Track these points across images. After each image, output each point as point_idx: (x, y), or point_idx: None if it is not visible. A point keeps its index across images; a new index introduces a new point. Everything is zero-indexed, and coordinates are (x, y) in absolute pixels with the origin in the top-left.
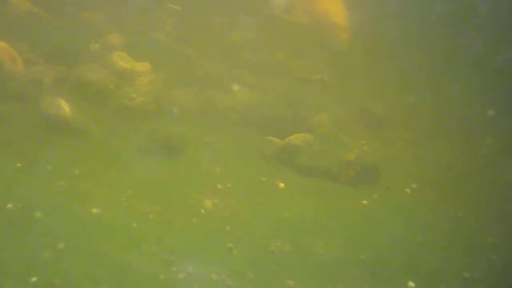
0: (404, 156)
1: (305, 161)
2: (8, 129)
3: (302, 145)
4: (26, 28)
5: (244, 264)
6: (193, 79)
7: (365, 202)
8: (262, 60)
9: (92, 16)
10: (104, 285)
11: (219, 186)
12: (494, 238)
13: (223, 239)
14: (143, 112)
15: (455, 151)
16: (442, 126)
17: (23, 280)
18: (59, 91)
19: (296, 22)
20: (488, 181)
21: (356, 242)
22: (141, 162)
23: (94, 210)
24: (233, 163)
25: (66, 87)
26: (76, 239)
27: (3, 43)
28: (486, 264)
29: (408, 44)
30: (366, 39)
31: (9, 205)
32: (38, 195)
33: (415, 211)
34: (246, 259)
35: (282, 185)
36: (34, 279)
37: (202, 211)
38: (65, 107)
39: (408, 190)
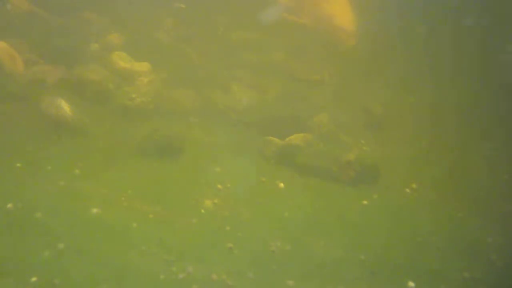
0: (404, 156)
1: (305, 161)
2: (8, 129)
3: (302, 145)
4: (26, 28)
5: (244, 264)
6: (193, 79)
7: (365, 202)
8: (262, 60)
9: (92, 16)
10: (104, 285)
11: (219, 186)
12: (494, 238)
13: (223, 239)
14: (143, 112)
15: (455, 151)
16: (442, 126)
17: (23, 280)
18: (59, 91)
19: (302, 24)
20: (488, 181)
21: (356, 242)
22: (141, 162)
23: (94, 210)
24: (233, 163)
25: (66, 87)
26: (76, 239)
27: (3, 43)
28: (486, 264)
29: (410, 45)
30: (368, 40)
31: (9, 205)
32: (38, 195)
33: (415, 211)
34: (246, 259)
35: (282, 185)
36: (34, 279)
37: (202, 211)
38: (65, 107)
39: (408, 190)
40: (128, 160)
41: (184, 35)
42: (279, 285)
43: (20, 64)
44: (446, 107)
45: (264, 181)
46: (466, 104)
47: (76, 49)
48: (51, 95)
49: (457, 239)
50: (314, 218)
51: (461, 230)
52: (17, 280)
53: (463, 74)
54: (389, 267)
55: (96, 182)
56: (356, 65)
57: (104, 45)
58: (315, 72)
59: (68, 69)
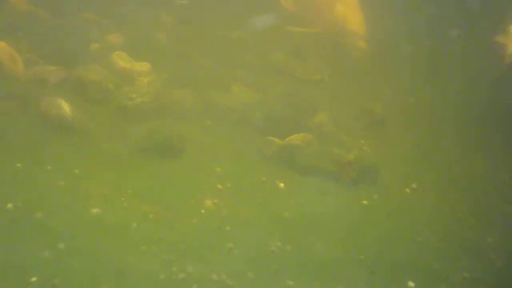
0: (404, 156)
1: (305, 161)
2: (8, 129)
3: (302, 145)
4: (26, 28)
5: (244, 264)
6: (193, 79)
7: (365, 202)
8: (262, 60)
9: (92, 16)
10: (104, 285)
11: (219, 186)
12: (494, 238)
13: (223, 239)
14: (143, 112)
15: (455, 151)
16: (442, 126)
17: (23, 280)
18: (59, 91)
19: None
20: (489, 181)
21: (356, 242)
22: (141, 162)
23: (94, 210)
24: (233, 163)
25: (66, 87)
26: (76, 239)
27: (3, 43)
28: (486, 264)
29: (414, 47)
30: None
31: (9, 205)
32: (38, 195)
33: (415, 211)
34: (246, 259)
35: (282, 185)
36: (34, 279)
37: (202, 211)
38: (65, 107)
39: (408, 190)
40: (128, 160)
41: (184, 35)
42: (279, 285)
43: (20, 64)
44: (446, 107)
45: (264, 181)
46: (466, 104)
47: (76, 49)
48: (51, 95)
49: (457, 239)
50: (314, 218)
51: (461, 230)
52: (17, 280)
53: (464, 74)
54: (389, 267)
55: (96, 182)
56: (357, 66)
57: (104, 45)
58: (315, 72)
59: (68, 69)
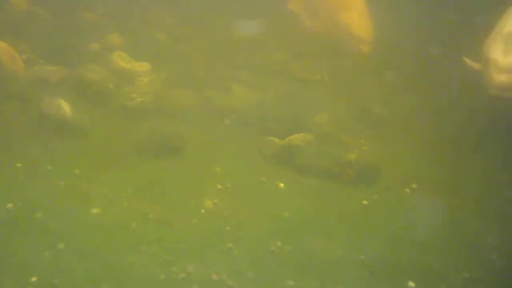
0: (404, 156)
1: (305, 161)
2: (8, 129)
3: (302, 145)
4: (26, 28)
5: (244, 264)
6: (193, 79)
7: (365, 202)
8: (262, 60)
9: (92, 16)
10: (104, 285)
11: (219, 186)
12: (494, 238)
13: (223, 239)
14: (143, 112)
15: (455, 151)
16: (442, 126)
17: (23, 280)
18: (59, 91)
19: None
20: (488, 181)
21: (356, 242)
22: (141, 162)
23: (94, 210)
24: (233, 163)
25: (66, 87)
26: (76, 239)
27: (3, 43)
28: (486, 264)
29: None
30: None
31: (9, 205)
32: (38, 195)
33: (415, 211)
34: (246, 259)
35: (282, 185)
36: (34, 279)
37: (202, 211)
38: (65, 107)
39: (408, 190)
40: (128, 160)
41: (184, 35)
42: (279, 285)
43: (20, 64)
44: (446, 107)
45: (264, 181)
46: (466, 104)
47: (76, 49)
48: (51, 95)
49: (457, 239)
50: (314, 218)
51: (461, 230)
52: (17, 280)
53: (464, 74)
54: (389, 267)
55: (96, 182)
56: (358, 66)
57: (104, 45)
58: (315, 72)
59: (68, 69)
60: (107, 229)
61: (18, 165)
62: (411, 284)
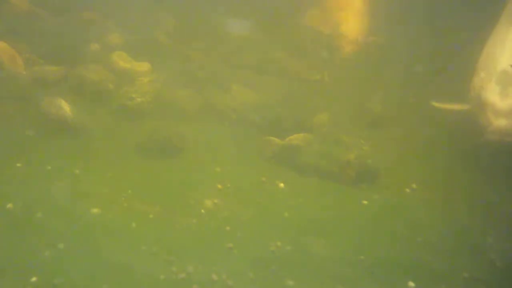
0: (404, 156)
1: (305, 161)
2: (8, 129)
3: (302, 145)
4: (26, 28)
5: (244, 264)
6: (193, 79)
7: (365, 202)
8: (262, 60)
9: (92, 16)
10: (104, 285)
11: (219, 186)
12: (494, 238)
13: (223, 239)
14: (143, 112)
15: (455, 151)
16: (442, 126)
17: (23, 280)
18: (59, 91)
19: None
20: (489, 181)
21: (356, 242)
22: (141, 162)
23: (94, 210)
24: (233, 163)
25: (66, 87)
26: (76, 239)
27: (3, 43)
28: (486, 264)
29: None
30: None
31: (9, 205)
32: (38, 195)
33: (415, 211)
34: (246, 259)
35: (282, 185)
36: (34, 279)
37: (202, 211)
38: (65, 107)
39: (408, 190)
40: (128, 160)
41: (184, 35)
42: (279, 285)
43: (20, 64)
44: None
45: (264, 181)
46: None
47: (76, 49)
48: (51, 95)
49: (457, 239)
50: (314, 218)
51: (461, 230)
52: (17, 280)
53: (464, 73)
54: (389, 267)
55: (96, 182)
56: (358, 66)
57: (104, 45)
58: (315, 72)
59: (68, 69)
60: (107, 229)
61: (18, 165)
62: (411, 284)
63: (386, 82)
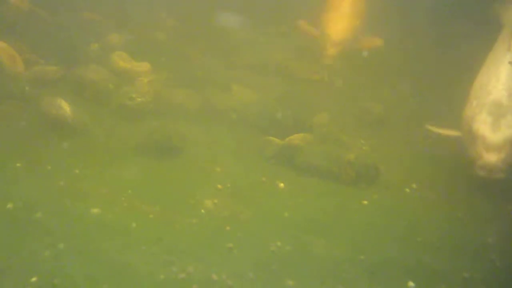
0: (404, 156)
1: (305, 161)
2: (8, 129)
3: (302, 145)
4: (26, 28)
5: (244, 264)
6: (193, 79)
7: (365, 202)
8: (262, 60)
9: (92, 16)
10: (104, 285)
11: (219, 186)
12: (494, 238)
13: (223, 239)
14: (143, 112)
15: (455, 151)
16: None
17: (23, 280)
18: (59, 91)
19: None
20: (488, 181)
21: (356, 242)
22: (141, 162)
23: (94, 210)
24: (233, 163)
25: (66, 87)
26: (76, 239)
27: (3, 43)
28: (486, 264)
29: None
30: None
31: (9, 205)
32: (38, 195)
33: (415, 211)
34: (246, 259)
35: (282, 185)
36: (34, 279)
37: (202, 211)
38: (65, 107)
39: (408, 190)
40: (128, 160)
41: (184, 35)
42: (279, 285)
43: (20, 64)
44: (446, 107)
45: (264, 181)
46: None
47: (76, 49)
48: (51, 95)
49: (457, 239)
50: (314, 218)
51: (461, 230)
52: (17, 280)
53: (464, 73)
54: (389, 267)
55: (96, 182)
56: (358, 66)
57: (104, 45)
58: (315, 72)
59: (68, 69)
60: (107, 229)
61: (18, 165)
62: (411, 284)
63: (386, 82)
